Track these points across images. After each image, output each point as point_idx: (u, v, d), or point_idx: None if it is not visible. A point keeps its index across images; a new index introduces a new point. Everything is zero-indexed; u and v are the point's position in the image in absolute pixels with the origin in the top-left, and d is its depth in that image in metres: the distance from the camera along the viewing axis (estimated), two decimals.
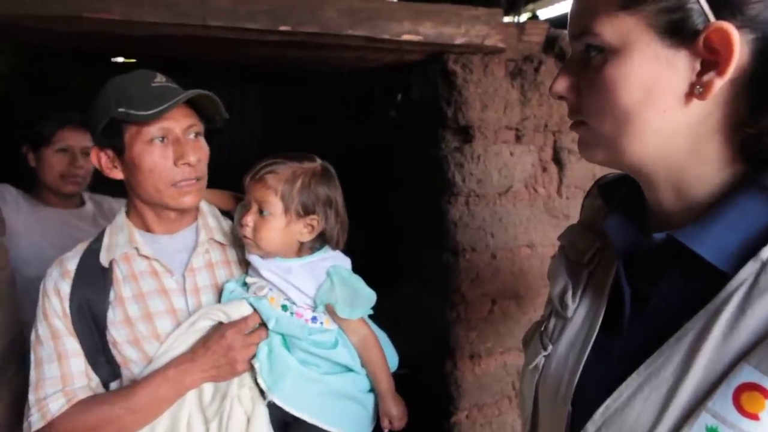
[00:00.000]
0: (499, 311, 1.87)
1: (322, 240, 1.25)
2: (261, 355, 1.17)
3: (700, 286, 0.60)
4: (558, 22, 1.58)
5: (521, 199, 1.86)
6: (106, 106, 1.13)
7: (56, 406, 1.11)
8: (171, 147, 1.16)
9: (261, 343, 1.18)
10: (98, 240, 1.24)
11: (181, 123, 1.16)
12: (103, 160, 1.20)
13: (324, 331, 1.22)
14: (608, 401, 0.64)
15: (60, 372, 1.14)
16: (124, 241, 1.21)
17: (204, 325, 1.18)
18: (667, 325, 0.61)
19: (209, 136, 1.25)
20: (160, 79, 1.18)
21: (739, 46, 0.55)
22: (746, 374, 0.53)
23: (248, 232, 1.19)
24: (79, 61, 2.31)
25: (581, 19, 0.64)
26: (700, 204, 0.64)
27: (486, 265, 1.83)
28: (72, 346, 1.16)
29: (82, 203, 2.06)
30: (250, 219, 1.19)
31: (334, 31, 1.53)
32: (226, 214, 1.37)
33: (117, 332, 1.16)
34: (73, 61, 2.35)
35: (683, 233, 0.61)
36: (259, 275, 1.21)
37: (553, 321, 0.81)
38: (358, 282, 1.23)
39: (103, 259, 1.20)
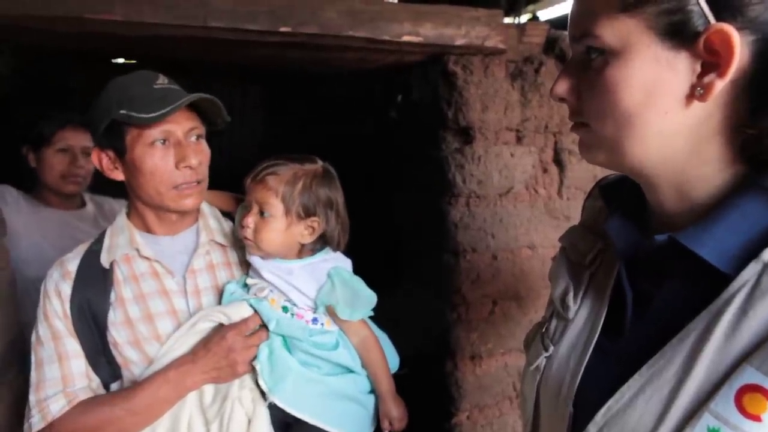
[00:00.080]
0: (499, 312, 1.87)
1: (323, 241, 1.25)
2: (262, 356, 1.17)
3: (702, 288, 0.60)
4: (558, 23, 1.58)
5: (522, 200, 1.86)
6: (107, 107, 1.13)
7: (57, 407, 1.11)
8: (172, 150, 1.16)
9: (262, 344, 1.18)
10: (99, 241, 1.24)
11: (182, 126, 1.16)
12: (104, 161, 1.20)
13: (325, 332, 1.22)
14: (610, 402, 0.64)
15: (61, 373, 1.14)
16: (124, 243, 1.21)
17: (205, 326, 1.18)
18: (668, 327, 0.61)
19: (209, 136, 1.25)
20: (162, 80, 1.18)
21: (740, 47, 0.55)
22: (748, 376, 0.53)
23: (249, 233, 1.19)
24: (79, 62, 2.31)
25: (582, 22, 0.64)
26: (701, 205, 0.64)
27: (487, 266, 1.83)
28: (72, 347, 1.16)
29: (83, 204, 2.06)
30: (250, 220, 1.19)
31: (335, 32, 1.53)
32: (227, 215, 1.37)
33: (117, 333, 1.16)
34: (74, 62, 2.35)
35: (684, 235, 0.61)
36: (260, 276, 1.21)
37: (554, 322, 0.81)
38: (359, 283, 1.23)
39: (104, 260, 1.20)
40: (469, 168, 1.78)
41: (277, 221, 1.18)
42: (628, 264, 0.71)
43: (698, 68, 0.58)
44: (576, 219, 0.93)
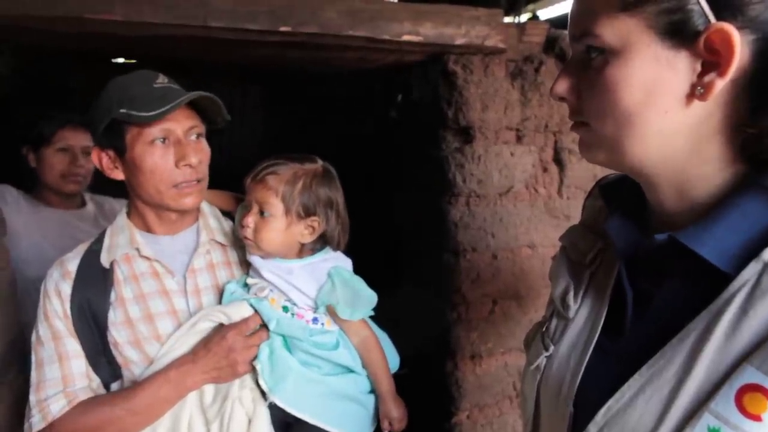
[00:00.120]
0: (499, 311, 1.87)
1: (323, 241, 1.25)
2: (262, 356, 1.17)
3: (702, 287, 0.60)
4: (558, 22, 1.58)
5: (522, 199, 1.86)
6: (107, 107, 1.13)
7: (57, 407, 1.11)
8: (172, 148, 1.16)
9: (262, 344, 1.18)
10: (99, 241, 1.24)
11: (182, 124, 1.16)
12: (104, 161, 1.20)
13: (325, 332, 1.22)
14: (610, 402, 0.64)
15: (61, 373, 1.14)
16: (125, 242, 1.21)
17: (205, 326, 1.18)
18: (669, 326, 0.61)
19: (209, 136, 1.25)
20: (162, 80, 1.18)
21: (740, 46, 0.55)
22: (749, 375, 0.53)
23: (249, 233, 1.19)
24: (79, 62, 2.31)
25: (582, 21, 0.64)
26: (701, 204, 0.64)
27: (487, 266, 1.83)
28: (73, 347, 1.16)
29: (83, 204, 2.06)
30: (250, 220, 1.19)
31: (335, 32, 1.53)
32: (227, 214, 1.37)
33: (118, 333, 1.16)
34: (74, 62, 2.35)
35: (685, 234, 0.61)
36: (260, 276, 1.21)
37: (554, 322, 0.81)
38: (360, 283, 1.23)
39: (104, 260, 1.20)
40: (469, 167, 1.78)
41: (277, 221, 1.18)
42: (629, 263, 0.71)
43: (698, 67, 0.58)
44: (576, 218, 0.93)
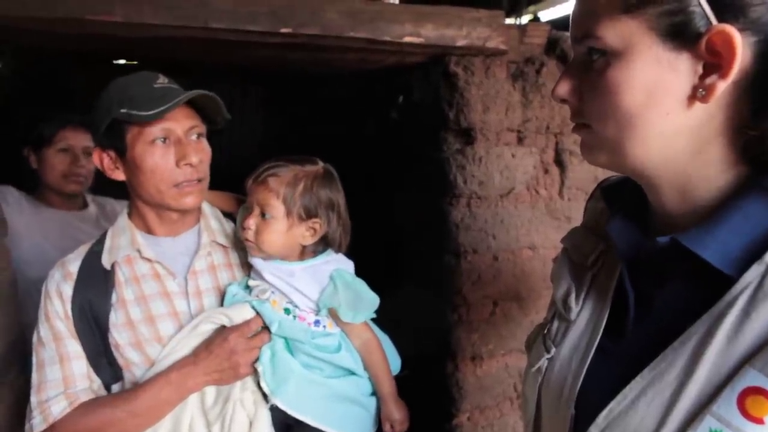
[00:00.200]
0: (500, 313, 1.87)
1: (324, 243, 1.25)
2: (264, 358, 1.17)
3: (704, 290, 0.60)
4: (559, 23, 1.58)
5: (523, 200, 1.86)
6: (108, 107, 1.13)
7: (58, 408, 1.11)
8: (173, 148, 1.16)
9: (264, 346, 1.17)
10: (100, 242, 1.24)
11: (182, 124, 1.16)
12: (105, 161, 1.20)
13: (327, 334, 1.21)
14: (611, 404, 0.64)
15: (62, 374, 1.14)
16: (126, 244, 1.21)
17: (206, 328, 1.18)
18: (671, 329, 0.61)
19: (210, 137, 1.25)
20: (162, 80, 1.18)
21: (742, 48, 0.55)
22: (751, 378, 0.53)
23: (250, 235, 1.19)
24: (80, 64, 2.31)
25: (583, 23, 0.64)
26: (703, 207, 0.64)
27: (487, 267, 1.83)
28: (74, 348, 1.16)
29: (85, 205, 2.06)
30: (252, 222, 1.18)
31: (336, 33, 1.53)
32: (229, 216, 1.37)
33: (119, 335, 1.16)
34: (74, 64, 2.35)
35: (687, 237, 0.61)
36: (262, 278, 1.21)
37: (556, 323, 0.81)
38: (362, 285, 1.23)
39: (105, 262, 1.20)
40: (470, 169, 1.78)
41: (279, 223, 1.18)
42: (630, 265, 0.71)
43: (700, 69, 0.58)
44: (577, 220, 0.93)
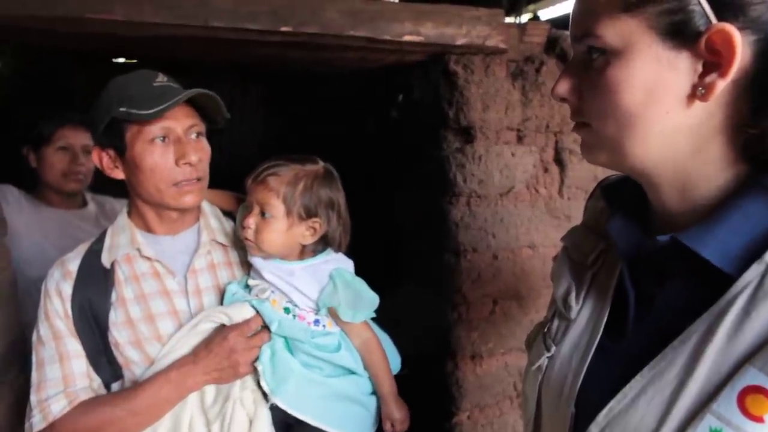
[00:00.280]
0: (500, 312, 1.87)
1: (324, 242, 1.25)
2: (264, 357, 1.17)
3: (704, 288, 0.60)
4: (559, 22, 1.57)
5: (522, 199, 1.86)
6: (107, 106, 1.13)
7: (58, 407, 1.11)
8: (172, 146, 1.16)
9: (264, 345, 1.17)
10: (100, 241, 1.24)
11: (182, 123, 1.16)
12: (104, 160, 1.20)
13: (327, 334, 1.21)
14: (612, 403, 0.64)
15: (62, 373, 1.14)
16: (125, 242, 1.21)
17: (206, 327, 1.18)
18: (671, 327, 0.61)
19: (210, 136, 1.25)
20: (161, 78, 1.18)
21: (741, 47, 0.55)
22: (751, 377, 0.53)
23: (250, 234, 1.19)
24: (80, 62, 2.31)
25: (583, 21, 0.64)
26: (703, 205, 0.64)
27: (487, 266, 1.83)
28: (74, 347, 1.16)
29: (85, 204, 2.07)
30: (251, 221, 1.18)
31: (336, 32, 1.53)
32: (228, 214, 1.37)
33: (119, 333, 1.16)
34: (74, 63, 2.36)
35: (687, 236, 0.61)
36: (261, 277, 1.21)
37: (556, 322, 0.81)
38: (361, 285, 1.23)
39: (105, 260, 1.20)
40: (470, 167, 1.78)
41: (279, 222, 1.18)
42: (630, 264, 0.71)
43: (700, 68, 0.58)
44: (577, 219, 0.93)
